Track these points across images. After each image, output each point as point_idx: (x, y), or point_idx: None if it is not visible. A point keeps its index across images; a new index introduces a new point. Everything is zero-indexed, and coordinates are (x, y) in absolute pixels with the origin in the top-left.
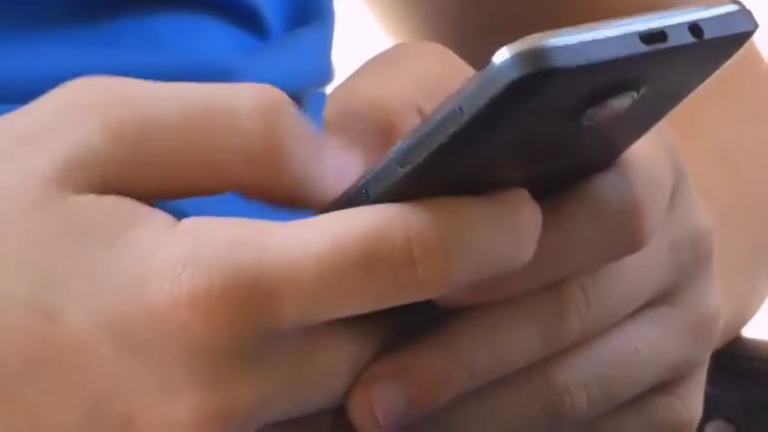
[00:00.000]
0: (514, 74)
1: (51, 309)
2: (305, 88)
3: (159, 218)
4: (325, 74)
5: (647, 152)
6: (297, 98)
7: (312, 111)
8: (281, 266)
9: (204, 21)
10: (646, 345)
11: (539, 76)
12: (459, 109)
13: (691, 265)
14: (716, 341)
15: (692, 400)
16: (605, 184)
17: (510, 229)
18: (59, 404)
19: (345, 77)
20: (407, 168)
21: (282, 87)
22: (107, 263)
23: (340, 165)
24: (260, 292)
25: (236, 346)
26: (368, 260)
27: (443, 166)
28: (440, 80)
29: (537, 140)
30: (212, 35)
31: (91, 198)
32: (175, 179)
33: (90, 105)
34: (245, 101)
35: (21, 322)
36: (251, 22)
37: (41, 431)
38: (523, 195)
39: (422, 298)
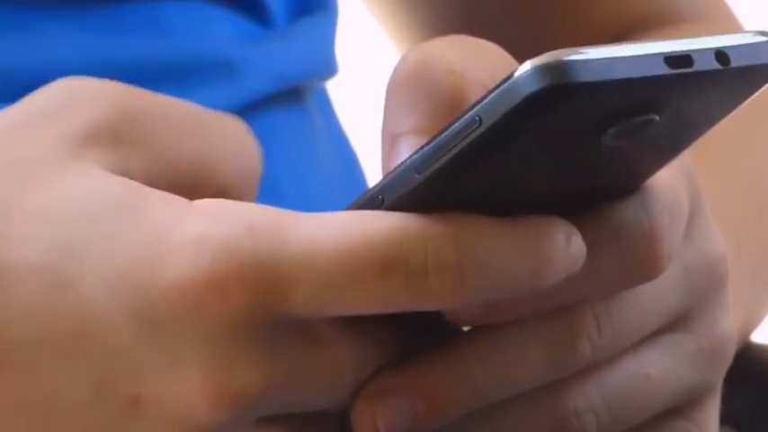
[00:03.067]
0: (535, 86)
1: (67, 280)
2: (308, 79)
3: (172, 195)
4: (329, 66)
5: (666, 178)
6: (300, 89)
7: (315, 104)
8: (298, 255)
9: (208, 9)
10: (658, 370)
11: (559, 90)
12: (478, 118)
13: (704, 290)
14: (728, 364)
15: (707, 423)
16: (625, 210)
17: (528, 255)
18: (70, 376)
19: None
20: (424, 176)
21: (286, 77)
22: (125, 236)
23: (400, 125)
24: (275, 278)
25: (247, 329)
26: (383, 262)
27: (460, 177)
28: (503, 70)
29: (557, 158)
30: (216, 23)
31: (106, 173)
32: (173, 176)
33: (106, 90)
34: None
35: (38, 292)
36: (255, 12)
37: (51, 405)
38: (552, 224)
39: (430, 308)
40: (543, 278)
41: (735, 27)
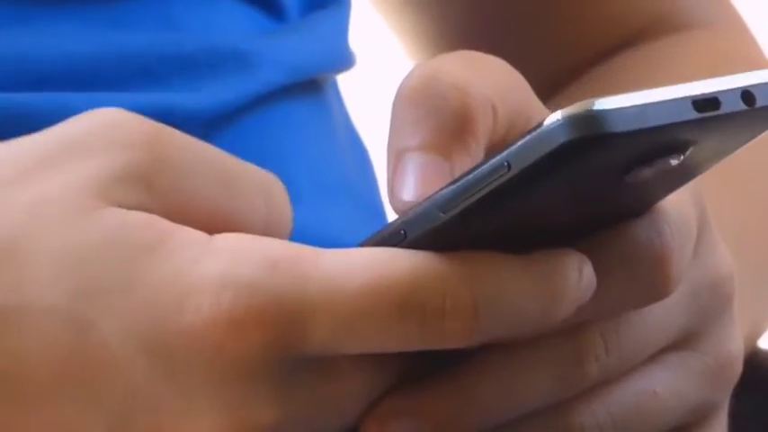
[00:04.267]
0: (565, 136)
1: (85, 321)
2: (322, 72)
3: (194, 232)
4: (344, 59)
5: (676, 199)
6: (317, 81)
7: (332, 97)
8: (319, 295)
9: (220, 2)
10: (664, 388)
11: (590, 140)
12: (507, 164)
13: (711, 309)
14: (735, 382)
15: None
16: (637, 232)
17: (541, 294)
18: (86, 418)
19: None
20: (448, 216)
21: (299, 69)
22: (144, 276)
23: (406, 141)
24: (294, 318)
25: (264, 368)
26: (401, 305)
27: (483, 218)
28: (511, 89)
29: (578, 196)
30: (228, 17)
31: (127, 211)
32: (201, 215)
33: (141, 130)
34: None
35: (54, 334)
36: (267, 5)
37: None
38: (564, 260)
39: (444, 347)
40: (556, 315)
41: (743, 32)
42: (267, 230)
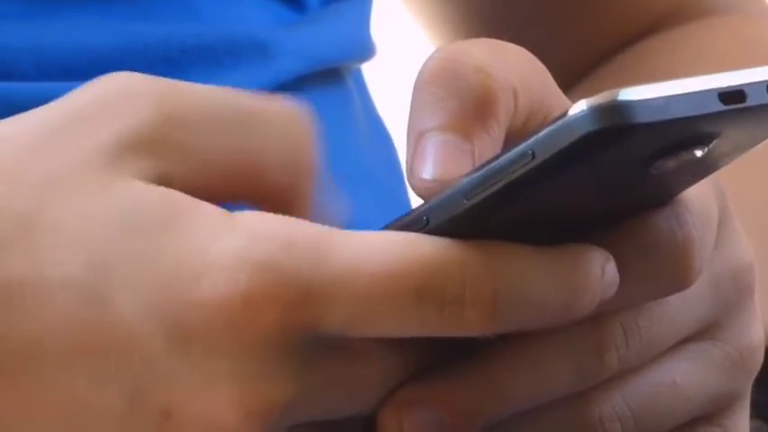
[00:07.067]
0: (590, 126)
1: (101, 295)
2: (344, 62)
3: (212, 208)
4: (366, 48)
5: (697, 190)
6: (338, 70)
7: (353, 86)
8: (336, 276)
9: None
10: (684, 378)
11: (614, 131)
12: (531, 153)
13: (732, 299)
14: (756, 372)
15: (738, 429)
16: (658, 222)
17: (563, 287)
18: (102, 392)
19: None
20: (471, 203)
21: (319, 59)
22: (161, 251)
23: (426, 122)
24: (311, 298)
25: (280, 346)
26: (420, 290)
27: (506, 206)
28: (533, 76)
29: (601, 187)
30: (249, 7)
31: (144, 185)
32: (219, 178)
33: (146, 92)
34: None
35: (70, 308)
36: None
37: (83, 418)
38: (587, 255)
39: (461, 335)
40: (576, 310)
41: (757, 19)
42: (293, 163)
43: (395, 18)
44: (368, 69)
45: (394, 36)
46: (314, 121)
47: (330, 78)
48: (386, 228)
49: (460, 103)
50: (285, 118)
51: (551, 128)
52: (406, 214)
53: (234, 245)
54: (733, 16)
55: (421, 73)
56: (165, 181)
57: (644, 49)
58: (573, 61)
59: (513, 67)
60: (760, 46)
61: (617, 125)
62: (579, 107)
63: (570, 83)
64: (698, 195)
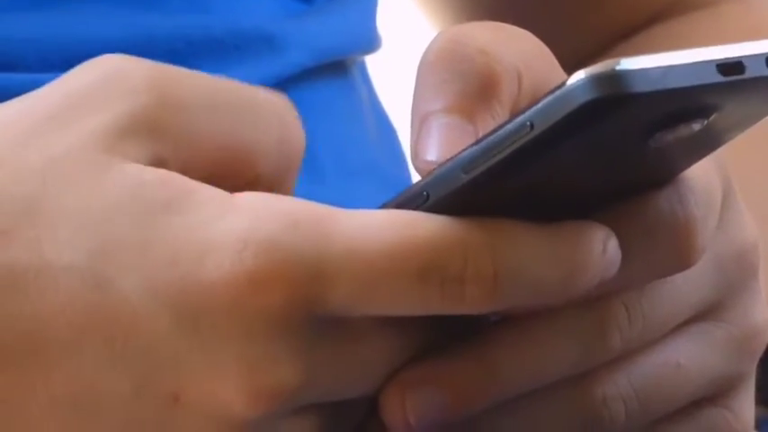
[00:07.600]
0: (588, 95)
1: (105, 278)
2: (348, 54)
3: (213, 190)
4: (372, 40)
5: (700, 169)
6: (344, 62)
7: (359, 78)
8: (340, 254)
9: None
10: (688, 359)
11: (612, 100)
12: (530, 124)
13: (736, 279)
14: (761, 352)
15: (742, 410)
16: (660, 201)
17: (564, 264)
18: (110, 376)
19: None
20: (470, 176)
21: (326, 51)
22: (164, 232)
23: (430, 104)
24: (315, 276)
25: (285, 326)
26: (422, 268)
27: (506, 179)
28: (537, 58)
29: (601, 160)
30: (256, 0)
31: (143, 167)
32: (211, 163)
33: (139, 75)
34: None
35: (74, 292)
36: None
37: (89, 402)
38: (588, 231)
39: (463, 313)
40: (577, 286)
41: (762, 7)
42: (282, 153)
43: (397, 9)
44: (370, 61)
45: (396, 28)
46: (300, 114)
47: (336, 71)
48: (386, 204)
49: (464, 85)
50: (275, 107)
51: (549, 98)
52: (406, 189)
53: (238, 224)
54: (736, 5)
55: (425, 55)
56: (160, 164)
57: (648, 37)
58: (576, 50)
59: (517, 50)
60: (763, 34)
61: (615, 94)
62: (577, 76)
63: (573, 71)
64: (701, 175)
